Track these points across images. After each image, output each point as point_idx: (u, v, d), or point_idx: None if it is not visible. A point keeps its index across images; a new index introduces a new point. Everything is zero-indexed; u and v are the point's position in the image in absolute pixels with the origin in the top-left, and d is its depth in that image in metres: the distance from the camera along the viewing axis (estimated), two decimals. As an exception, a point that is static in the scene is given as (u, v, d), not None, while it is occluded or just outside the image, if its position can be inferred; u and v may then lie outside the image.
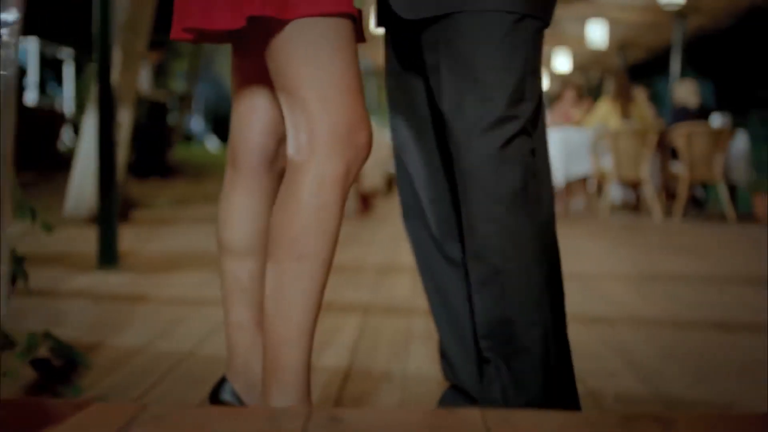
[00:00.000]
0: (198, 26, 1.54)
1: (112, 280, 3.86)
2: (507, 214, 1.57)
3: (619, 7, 10.52)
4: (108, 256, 4.15)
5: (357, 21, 1.57)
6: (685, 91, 8.23)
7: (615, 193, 9.02)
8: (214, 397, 1.77)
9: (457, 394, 1.83)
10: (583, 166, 8.14)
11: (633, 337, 2.92)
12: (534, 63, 1.62)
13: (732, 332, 3.03)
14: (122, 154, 6.32)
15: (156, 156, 11.72)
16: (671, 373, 2.47)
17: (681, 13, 10.32)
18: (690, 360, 2.63)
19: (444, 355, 1.86)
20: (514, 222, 1.58)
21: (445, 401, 1.86)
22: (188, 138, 26.76)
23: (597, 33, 10.97)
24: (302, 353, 1.52)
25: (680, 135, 7.65)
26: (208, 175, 15.37)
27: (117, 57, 5.91)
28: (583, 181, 8.80)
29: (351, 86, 1.51)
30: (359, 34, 1.68)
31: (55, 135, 12.65)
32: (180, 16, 1.58)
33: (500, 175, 1.57)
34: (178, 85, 17.60)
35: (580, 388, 2.28)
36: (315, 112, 1.49)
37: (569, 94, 9.25)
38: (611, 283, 4.13)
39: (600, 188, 8.73)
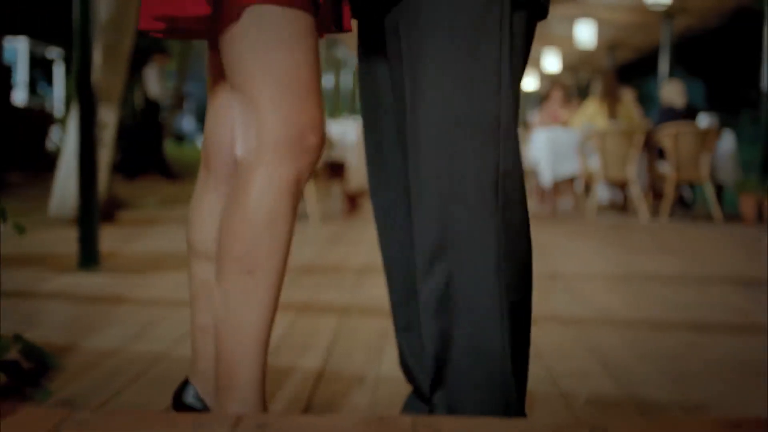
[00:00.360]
0: (164, 12, 1.49)
1: (91, 281, 3.84)
2: (467, 221, 1.45)
3: (607, 7, 10.53)
4: (88, 256, 4.13)
5: (318, 11, 1.50)
6: (672, 92, 8.23)
7: (602, 193, 9.02)
8: (177, 400, 1.75)
9: (417, 399, 1.81)
10: (570, 166, 8.15)
11: (610, 338, 2.91)
12: (511, 50, 1.46)
13: (710, 333, 3.03)
14: (107, 154, 6.29)
15: (149, 155, 11.71)
16: (645, 375, 2.46)
17: (668, 14, 10.35)
18: (665, 361, 2.62)
19: (402, 360, 1.84)
20: (474, 232, 1.45)
21: (406, 407, 1.84)
22: (180, 138, 26.72)
23: (585, 33, 10.98)
24: (256, 366, 1.49)
25: (667, 135, 7.65)
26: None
27: (101, 56, 5.90)
28: (571, 181, 8.80)
29: (305, 86, 1.46)
30: (337, 23, 1.60)
31: (45, 135, 12.60)
32: (147, 4, 1.53)
33: (465, 174, 1.44)
34: (167, 84, 17.60)
35: (553, 389, 2.29)
36: (266, 112, 1.45)
37: (557, 94, 9.26)
38: (593, 284, 4.12)
39: (587, 188, 8.73)
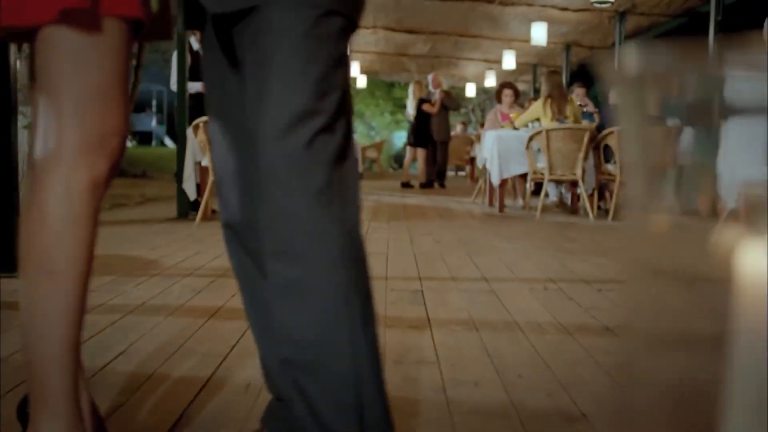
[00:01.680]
0: (7, 24, 1.45)
1: (7, 286, 3.76)
2: (309, 211, 1.50)
3: (562, 7, 10.57)
4: (7, 261, 4.05)
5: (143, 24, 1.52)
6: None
7: (551, 192, 9.03)
8: (21, 410, 1.72)
9: (277, 408, 1.80)
10: (518, 166, 8.15)
11: (514, 344, 2.88)
12: (338, 57, 1.57)
13: (615, 337, 3.00)
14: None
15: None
16: (538, 382, 2.43)
17: (620, 13, 10.42)
18: (562, 367, 2.59)
19: (264, 368, 1.82)
20: (316, 221, 1.50)
21: (265, 415, 1.82)
22: (145, 138, 26.45)
23: (541, 33, 11.00)
24: (67, 373, 1.47)
25: (611, 133, 7.68)
26: (153, 176, 15.20)
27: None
28: (523, 180, 8.81)
29: (109, 92, 1.47)
30: (159, 32, 1.63)
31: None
32: None
33: (302, 172, 1.50)
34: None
35: (440, 397, 2.26)
36: (67, 117, 1.45)
37: (506, 95, 9.27)
38: (518, 287, 4.09)
39: (536, 188, 8.74)
